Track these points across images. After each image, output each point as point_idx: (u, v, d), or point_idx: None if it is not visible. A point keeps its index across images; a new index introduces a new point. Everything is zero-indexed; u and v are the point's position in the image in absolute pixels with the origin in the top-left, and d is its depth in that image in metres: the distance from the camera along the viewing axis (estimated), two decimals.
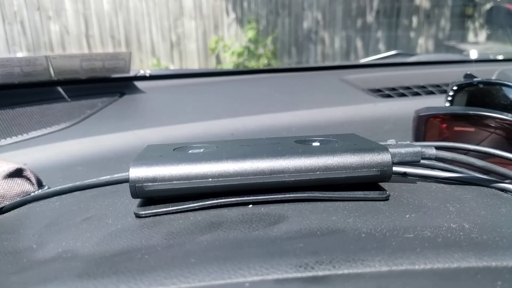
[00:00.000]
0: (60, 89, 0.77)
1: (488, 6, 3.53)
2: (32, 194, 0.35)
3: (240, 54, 3.84)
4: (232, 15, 3.99)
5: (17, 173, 0.37)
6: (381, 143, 0.31)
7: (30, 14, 3.54)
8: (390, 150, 0.28)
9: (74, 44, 3.69)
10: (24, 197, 0.34)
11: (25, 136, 0.62)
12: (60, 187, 0.34)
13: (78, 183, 0.34)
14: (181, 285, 0.18)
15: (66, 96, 0.75)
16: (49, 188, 0.37)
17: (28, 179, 0.37)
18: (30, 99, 0.73)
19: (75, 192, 0.34)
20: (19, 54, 3.40)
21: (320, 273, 0.18)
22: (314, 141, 0.31)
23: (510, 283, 0.18)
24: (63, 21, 3.64)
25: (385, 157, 0.27)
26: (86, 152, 0.58)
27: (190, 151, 0.29)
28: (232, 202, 0.26)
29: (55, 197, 0.34)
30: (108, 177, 0.35)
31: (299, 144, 0.30)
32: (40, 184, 0.39)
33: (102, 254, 0.21)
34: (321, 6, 4.02)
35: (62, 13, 3.62)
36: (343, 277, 0.18)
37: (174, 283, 0.18)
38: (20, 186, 0.36)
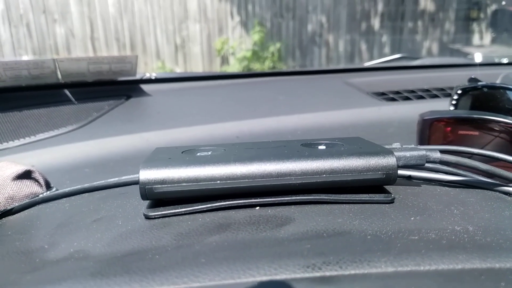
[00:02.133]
0: (67, 92, 0.78)
1: (492, 9, 3.52)
2: (41, 195, 0.35)
3: (250, 59, 3.85)
4: (237, 18, 4.00)
5: (26, 175, 0.37)
6: (386, 146, 0.31)
7: (36, 17, 3.56)
8: (395, 153, 0.29)
9: (80, 47, 3.72)
10: (33, 199, 0.35)
11: (33, 138, 0.62)
12: (68, 188, 0.35)
13: (86, 185, 0.35)
14: (192, 284, 0.18)
15: (73, 99, 0.76)
16: (57, 189, 0.38)
17: (36, 180, 0.38)
18: (37, 101, 0.74)
19: (83, 194, 0.34)
20: (25, 57, 3.42)
21: (328, 273, 0.19)
22: (320, 144, 0.31)
23: None
24: (69, 24, 3.66)
25: (390, 161, 0.28)
26: (93, 154, 0.59)
27: (198, 154, 0.30)
28: (240, 204, 0.26)
29: (64, 199, 0.34)
30: (116, 179, 0.35)
31: (306, 147, 0.30)
32: (48, 186, 0.39)
33: (113, 254, 0.22)
34: (326, 9, 4.02)
35: (68, 16, 3.64)
36: (350, 277, 0.19)
37: (185, 282, 0.18)
38: (29, 188, 0.36)
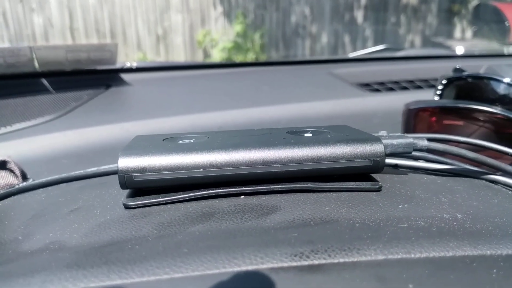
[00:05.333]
0: (44, 81, 0.76)
1: (474, 3, 3.56)
2: (17, 186, 0.34)
3: (231, 49, 3.82)
4: (220, 9, 3.96)
5: (1, 166, 0.36)
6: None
7: (12, 6, 3.46)
8: (383, 141, 0.28)
9: (58, 37, 3.62)
10: (9, 190, 0.33)
11: (9, 129, 0.60)
12: (45, 179, 0.34)
13: (64, 175, 0.34)
14: (174, 275, 0.17)
15: (50, 88, 0.74)
16: (33, 180, 0.36)
17: (12, 171, 0.36)
18: (13, 90, 0.71)
19: (61, 184, 0.33)
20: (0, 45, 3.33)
21: (316, 262, 0.18)
22: (306, 132, 0.31)
23: (505, 271, 0.18)
24: (47, 13, 3.57)
25: (378, 148, 0.27)
26: (71, 145, 0.57)
27: (180, 142, 0.29)
28: (224, 193, 0.26)
29: (41, 189, 0.33)
30: (95, 168, 0.34)
31: (291, 135, 0.30)
32: (24, 177, 0.38)
33: (91, 245, 0.21)
34: (309, 0, 4.01)
35: (46, 5, 3.55)
36: (339, 265, 0.18)
37: (167, 272, 0.17)
38: (4, 179, 0.35)
